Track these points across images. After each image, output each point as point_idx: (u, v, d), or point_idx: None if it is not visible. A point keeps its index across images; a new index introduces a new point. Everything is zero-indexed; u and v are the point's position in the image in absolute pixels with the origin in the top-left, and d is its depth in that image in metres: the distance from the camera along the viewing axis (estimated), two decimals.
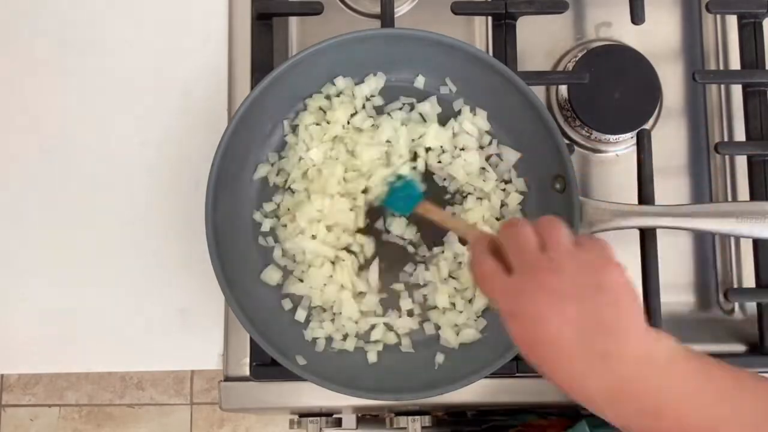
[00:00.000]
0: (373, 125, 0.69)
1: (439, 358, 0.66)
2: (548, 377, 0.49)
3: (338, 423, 0.75)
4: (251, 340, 0.69)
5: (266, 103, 0.67)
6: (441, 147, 0.69)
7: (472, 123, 0.69)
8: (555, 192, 0.67)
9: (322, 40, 0.65)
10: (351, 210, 0.67)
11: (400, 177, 0.66)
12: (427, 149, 0.69)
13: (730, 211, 0.64)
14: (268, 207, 0.69)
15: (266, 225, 0.68)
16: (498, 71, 0.66)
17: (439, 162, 0.69)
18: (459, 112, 0.70)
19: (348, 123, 0.69)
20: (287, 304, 0.68)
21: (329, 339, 0.67)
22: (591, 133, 0.75)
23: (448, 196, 0.69)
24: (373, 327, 0.67)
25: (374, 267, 0.68)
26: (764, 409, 0.48)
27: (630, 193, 0.70)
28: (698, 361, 0.49)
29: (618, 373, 0.47)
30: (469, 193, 0.69)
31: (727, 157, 0.77)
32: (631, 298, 0.49)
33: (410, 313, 0.68)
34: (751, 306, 0.74)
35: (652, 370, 0.47)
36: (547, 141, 0.65)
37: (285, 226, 0.68)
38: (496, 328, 0.67)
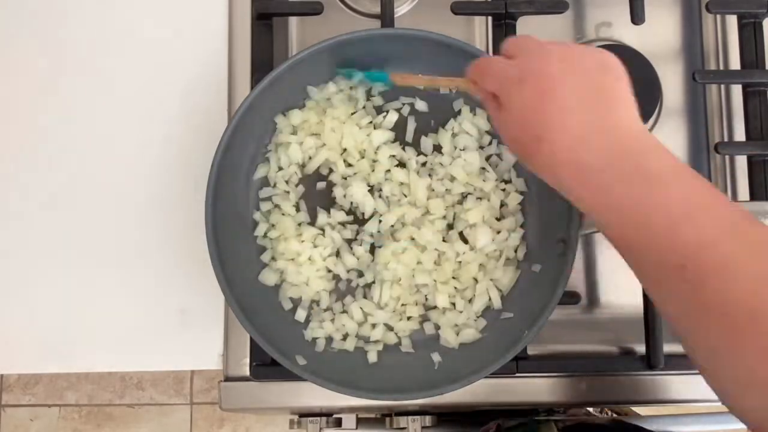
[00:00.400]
0: (370, 123, 0.69)
1: (439, 357, 0.66)
2: (536, 151, 0.49)
3: (338, 423, 0.75)
4: (251, 340, 0.69)
5: (266, 103, 0.67)
6: (440, 146, 0.69)
7: (472, 123, 0.69)
8: (554, 191, 0.66)
9: (321, 40, 0.65)
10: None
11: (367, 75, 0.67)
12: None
13: None
14: (265, 207, 0.69)
15: (261, 229, 0.69)
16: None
17: (440, 164, 0.69)
18: (459, 112, 0.70)
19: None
20: (287, 304, 0.68)
21: (329, 339, 0.67)
22: None
23: (448, 196, 0.69)
24: (373, 326, 0.67)
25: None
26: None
27: None
28: (682, 163, 0.48)
29: (616, 140, 0.47)
30: (469, 193, 0.69)
31: (727, 157, 0.77)
32: (618, 68, 0.51)
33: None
34: None
35: (649, 146, 0.48)
36: None
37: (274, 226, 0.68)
38: (496, 328, 0.67)
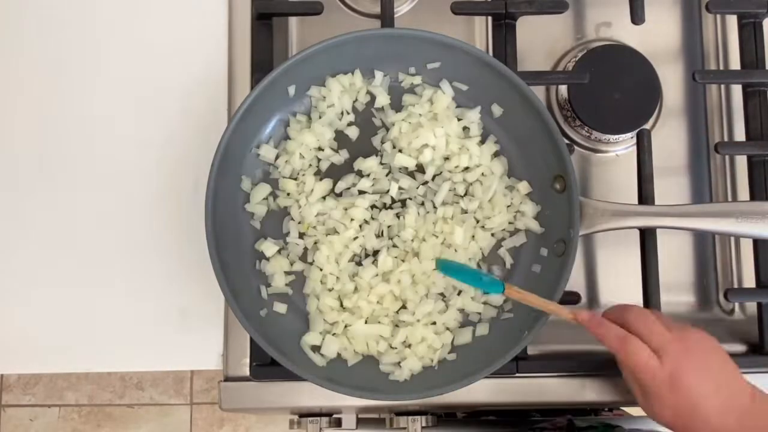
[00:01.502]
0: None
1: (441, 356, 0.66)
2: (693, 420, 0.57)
3: (338, 423, 0.75)
4: (251, 340, 0.69)
5: (266, 103, 0.67)
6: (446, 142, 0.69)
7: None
8: (555, 192, 0.67)
9: (321, 39, 0.65)
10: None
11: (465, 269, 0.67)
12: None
13: (729, 211, 0.64)
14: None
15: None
16: (498, 71, 0.66)
17: (446, 158, 0.69)
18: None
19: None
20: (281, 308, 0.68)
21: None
22: (591, 133, 0.75)
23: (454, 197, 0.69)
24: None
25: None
26: None
27: (630, 193, 0.70)
28: None
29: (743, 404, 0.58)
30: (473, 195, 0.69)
31: (727, 157, 0.77)
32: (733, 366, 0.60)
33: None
34: (751, 306, 0.74)
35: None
36: (547, 141, 0.65)
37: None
38: (496, 329, 0.67)
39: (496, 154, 0.70)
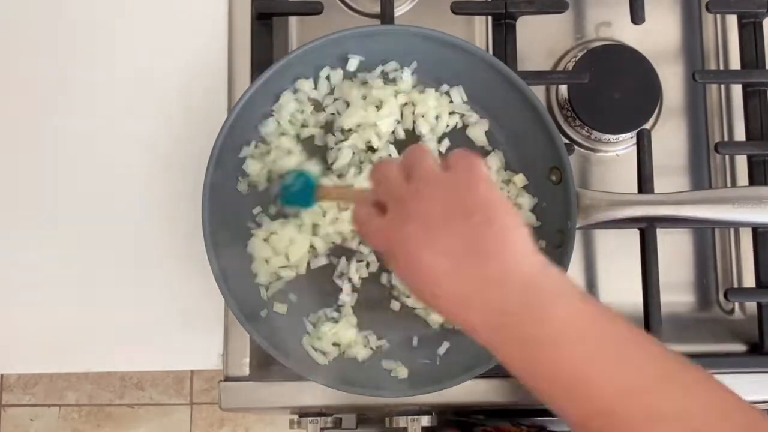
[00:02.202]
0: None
1: (442, 349, 0.67)
2: (436, 310, 0.47)
3: (338, 423, 0.75)
4: (251, 340, 0.69)
5: (264, 101, 0.67)
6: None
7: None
8: (551, 184, 0.66)
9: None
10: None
11: (288, 173, 0.62)
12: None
13: (726, 197, 0.64)
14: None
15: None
16: (489, 63, 0.66)
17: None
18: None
19: None
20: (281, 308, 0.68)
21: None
22: (591, 133, 0.75)
23: None
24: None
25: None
26: (662, 370, 0.43)
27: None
28: (594, 307, 0.45)
29: (499, 298, 0.44)
30: None
31: (727, 156, 0.77)
32: (505, 214, 0.46)
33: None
34: (751, 306, 0.74)
35: (537, 297, 0.44)
36: (541, 133, 0.66)
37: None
38: None
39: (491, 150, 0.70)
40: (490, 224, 0.45)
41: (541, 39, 0.77)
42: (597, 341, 0.43)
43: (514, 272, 0.44)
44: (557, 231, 0.65)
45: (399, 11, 0.76)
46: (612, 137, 0.75)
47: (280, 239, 0.67)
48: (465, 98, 0.70)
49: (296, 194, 0.60)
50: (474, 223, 0.45)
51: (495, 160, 0.69)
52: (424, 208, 0.46)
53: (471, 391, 0.68)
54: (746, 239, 0.74)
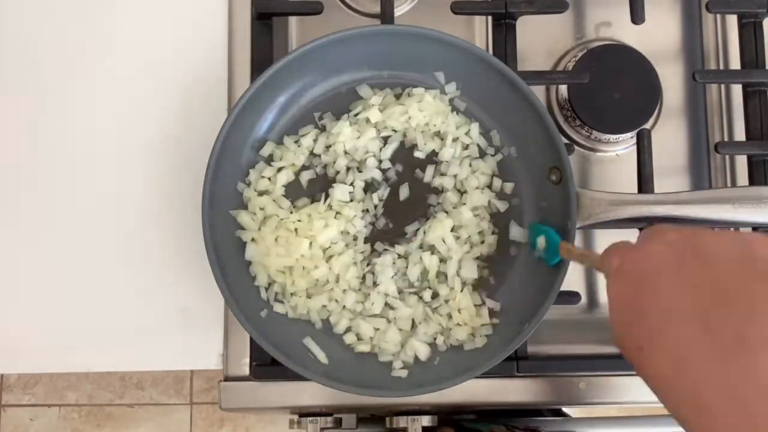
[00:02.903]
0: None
1: (443, 347, 0.67)
2: (644, 361, 0.39)
3: (338, 423, 0.75)
4: (251, 340, 0.69)
5: (264, 101, 0.67)
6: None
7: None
8: (551, 184, 0.66)
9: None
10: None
11: (536, 229, 0.66)
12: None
13: (726, 197, 0.64)
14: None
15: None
16: (489, 63, 0.66)
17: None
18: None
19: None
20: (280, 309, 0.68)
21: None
22: (591, 133, 0.75)
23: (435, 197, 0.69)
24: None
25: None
26: None
27: None
28: None
29: (748, 389, 0.35)
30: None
31: (727, 156, 0.77)
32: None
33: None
34: None
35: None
36: (541, 133, 0.66)
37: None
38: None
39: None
40: (754, 316, 0.37)
41: (541, 39, 0.77)
42: None
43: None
44: (557, 231, 0.66)
45: (399, 11, 0.76)
46: (612, 137, 0.75)
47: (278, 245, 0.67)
48: (458, 92, 0.70)
49: (547, 251, 0.64)
50: (721, 268, 0.38)
51: (487, 168, 0.69)
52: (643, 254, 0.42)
53: (471, 391, 0.68)
54: None
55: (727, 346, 0.36)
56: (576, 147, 0.75)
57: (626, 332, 0.40)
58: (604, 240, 0.75)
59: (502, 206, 0.69)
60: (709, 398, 0.36)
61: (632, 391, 0.70)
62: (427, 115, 0.69)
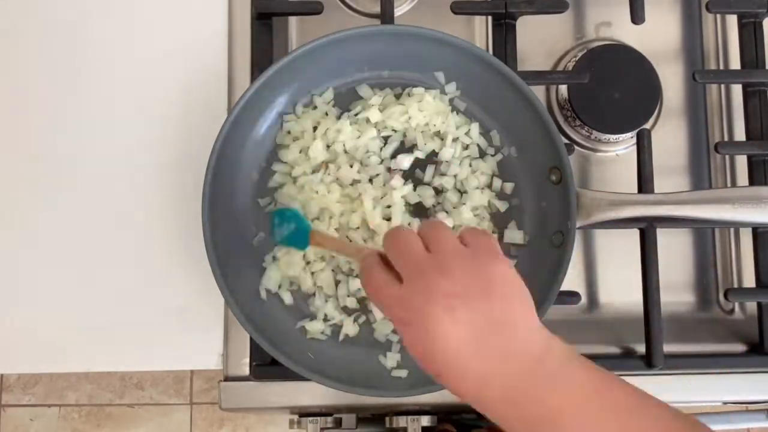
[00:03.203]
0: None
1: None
2: (447, 387, 0.47)
3: (338, 423, 0.75)
4: (251, 340, 0.69)
5: (264, 101, 0.67)
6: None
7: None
8: (551, 184, 0.66)
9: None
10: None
11: (281, 212, 0.64)
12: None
13: (727, 197, 0.64)
14: (263, 202, 0.69)
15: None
16: (488, 63, 0.66)
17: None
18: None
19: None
20: (287, 298, 0.68)
21: (328, 337, 0.67)
22: (591, 133, 0.75)
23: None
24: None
25: None
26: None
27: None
28: (593, 372, 0.47)
29: (514, 374, 0.45)
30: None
31: (727, 156, 0.77)
32: (519, 292, 0.47)
33: None
34: (751, 306, 0.74)
35: (547, 372, 0.46)
36: (541, 133, 0.66)
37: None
38: None
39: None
40: (508, 301, 0.47)
41: (541, 39, 0.77)
42: (599, 411, 0.46)
43: (526, 347, 0.46)
44: (557, 231, 0.65)
45: (399, 11, 0.76)
46: (612, 137, 0.75)
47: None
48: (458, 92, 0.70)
49: (290, 235, 0.62)
50: (494, 299, 0.46)
51: (487, 168, 0.69)
52: (447, 281, 0.46)
53: None
54: (746, 239, 0.74)
55: (498, 349, 0.46)
56: (576, 147, 0.75)
57: (425, 364, 0.47)
58: (604, 239, 0.75)
59: (502, 206, 0.69)
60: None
61: None
62: (427, 115, 0.69)
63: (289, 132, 0.69)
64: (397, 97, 0.70)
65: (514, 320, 0.46)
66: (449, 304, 0.45)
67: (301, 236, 0.62)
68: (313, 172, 0.68)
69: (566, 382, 0.46)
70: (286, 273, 0.67)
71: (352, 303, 0.67)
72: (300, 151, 0.69)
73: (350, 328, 0.67)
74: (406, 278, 0.48)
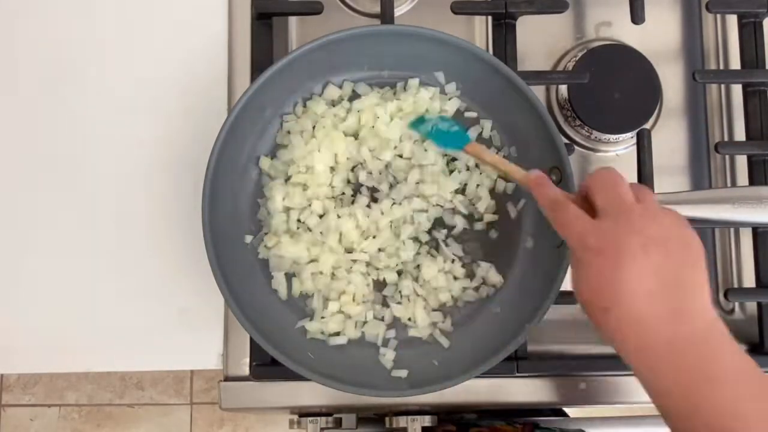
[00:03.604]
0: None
1: (445, 343, 0.67)
2: (603, 325, 0.49)
3: (338, 423, 0.75)
4: (251, 340, 0.69)
5: (264, 101, 0.67)
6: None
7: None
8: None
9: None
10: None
11: (443, 119, 0.67)
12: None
13: (727, 197, 0.64)
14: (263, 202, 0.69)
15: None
16: (488, 63, 0.66)
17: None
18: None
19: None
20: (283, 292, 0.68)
21: (327, 337, 0.67)
22: (591, 133, 0.75)
23: None
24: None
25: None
26: None
27: None
28: (747, 356, 0.49)
29: (685, 330, 0.48)
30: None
31: (727, 156, 0.77)
32: (705, 270, 0.50)
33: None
34: (751, 306, 0.74)
35: (711, 344, 0.48)
36: (541, 133, 0.66)
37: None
38: (495, 323, 0.67)
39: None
40: (699, 268, 0.50)
41: (541, 39, 0.77)
42: (759, 385, 0.48)
43: (704, 313, 0.49)
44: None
45: (399, 11, 0.76)
46: (612, 137, 0.75)
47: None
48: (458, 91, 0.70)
49: (449, 135, 0.65)
50: (687, 260, 0.49)
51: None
52: (653, 226, 0.50)
53: (471, 391, 0.68)
54: (746, 239, 0.74)
55: (673, 307, 0.48)
56: (576, 147, 0.75)
57: (598, 295, 0.49)
58: None
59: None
60: (652, 345, 0.48)
61: (632, 391, 0.70)
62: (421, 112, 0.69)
63: (289, 132, 0.69)
64: (395, 95, 0.70)
65: (700, 286, 0.49)
66: (647, 244, 0.48)
67: (457, 138, 0.64)
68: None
69: (727, 356, 0.48)
70: (287, 263, 0.68)
71: (352, 306, 0.67)
72: (300, 152, 0.69)
73: (351, 330, 0.67)
74: (609, 214, 0.50)
